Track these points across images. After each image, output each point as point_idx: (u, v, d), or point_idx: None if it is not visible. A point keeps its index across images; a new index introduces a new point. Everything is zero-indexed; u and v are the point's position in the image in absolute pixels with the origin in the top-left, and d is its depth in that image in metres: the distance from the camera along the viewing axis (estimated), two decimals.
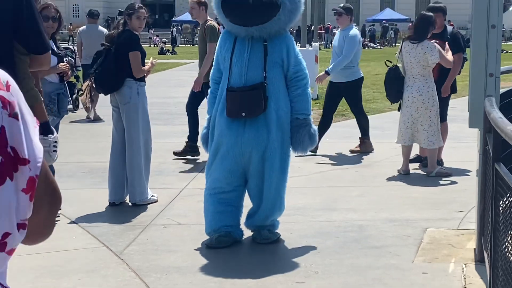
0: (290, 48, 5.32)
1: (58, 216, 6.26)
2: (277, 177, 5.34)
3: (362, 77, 9.66)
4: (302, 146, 5.37)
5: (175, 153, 9.00)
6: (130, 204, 6.63)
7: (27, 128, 1.30)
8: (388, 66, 8.23)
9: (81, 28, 13.36)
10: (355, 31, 9.39)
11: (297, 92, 5.32)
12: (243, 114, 5.24)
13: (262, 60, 5.23)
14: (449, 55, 8.04)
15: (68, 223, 6.13)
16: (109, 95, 6.74)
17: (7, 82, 1.29)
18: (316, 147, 8.04)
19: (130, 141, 6.57)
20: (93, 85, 6.73)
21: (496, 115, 3.57)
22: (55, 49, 6.36)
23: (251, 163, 5.33)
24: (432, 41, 7.92)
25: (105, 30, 12.87)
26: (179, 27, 57.81)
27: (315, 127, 5.45)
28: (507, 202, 3.45)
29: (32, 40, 4.15)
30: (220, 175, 5.44)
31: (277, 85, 5.27)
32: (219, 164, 5.42)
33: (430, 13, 8.02)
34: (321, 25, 56.85)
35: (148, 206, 6.65)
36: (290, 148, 5.43)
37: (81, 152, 9.04)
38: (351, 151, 9.44)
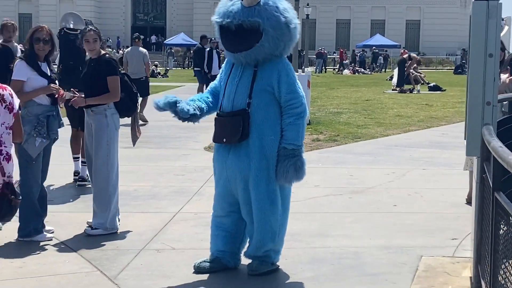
0: (282, 75, 5.16)
1: (51, 240, 6.22)
2: (266, 207, 5.19)
3: None
4: (286, 178, 5.09)
5: None
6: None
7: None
8: None
9: (126, 50, 17.40)
10: None
11: (288, 120, 5.14)
12: (224, 140, 5.21)
13: (249, 86, 5.16)
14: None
15: (61, 247, 6.07)
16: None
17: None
18: None
19: None
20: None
21: (496, 144, 3.57)
22: (48, 71, 6.33)
23: (237, 191, 5.26)
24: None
25: (145, 50, 16.15)
26: (171, 50, 57.98)
27: (304, 159, 5.19)
28: (507, 231, 3.44)
29: None
30: (215, 199, 5.49)
31: (263, 113, 5.13)
32: (215, 188, 5.47)
33: None
34: (321, 49, 56.69)
35: (142, 230, 6.61)
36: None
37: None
38: None
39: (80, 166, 8.79)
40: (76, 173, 8.87)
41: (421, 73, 31.35)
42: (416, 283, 5.20)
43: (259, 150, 5.14)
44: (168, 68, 47.80)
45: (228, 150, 5.24)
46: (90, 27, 6.69)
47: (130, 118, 6.86)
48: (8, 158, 4.38)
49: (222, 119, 5.25)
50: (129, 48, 16.95)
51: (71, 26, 9.12)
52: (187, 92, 25.78)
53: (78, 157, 8.90)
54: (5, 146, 4.37)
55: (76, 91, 6.53)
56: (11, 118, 4.41)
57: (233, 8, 5.10)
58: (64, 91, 6.43)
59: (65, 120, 7.24)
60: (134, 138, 6.85)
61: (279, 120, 5.18)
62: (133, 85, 6.77)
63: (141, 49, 16.17)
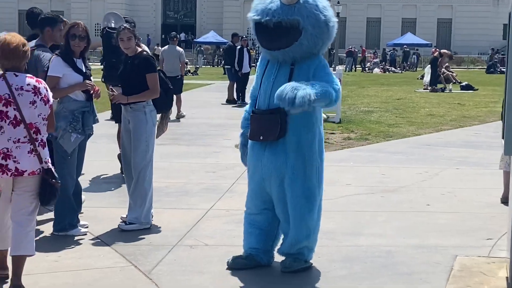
0: (318, 70, 5.14)
1: (85, 234, 6.29)
2: (302, 205, 5.19)
3: None
4: (282, 90, 4.79)
5: None
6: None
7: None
8: None
9: (163, 48, 17.95)
10: None
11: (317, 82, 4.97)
12: (261, 137, 5.20)
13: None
14: None
15: (96, 241, 6.13)
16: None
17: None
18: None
19: None
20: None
21: None
22: (83, 68, 6.38)
23: (272, 188, 5.26)
24: None
25: (181, 50, 16.61)
26: (201, 48, 58.14)
27: (308, 93, 4.77)
28: None
29: None
30: (248, 196, 5.49)
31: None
32: (248, 185, 5.47)
33: None
34: (351, 47, 56.11)
35: (175, 226, 6.65)
36: (318, 177, 5.25)
37: (110, 171, 9.06)
38: None
39: None
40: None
41: (453, 72, 31.02)
42: (451, 283, 5.15)
43: (296, 147, 5.12)
44: (198, 66, 47.96)
45: (264, 148, 5.23)
46: (125, 25, 6.73)
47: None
48: (44, 145, 4.74)
49: (259, 117, 5.24)
50: (166, 47, 17.42)
51: (112, 25, 9.38)
52: (217, 90, 25.87)
53: None
54: (41, 135, 4.71)
55: (118, 86, 6.62)
56: (47, 109, 4.74)
57: (272, 6, 5.07)
58: (109, 85, 6.57)
59: (103, 116, 7.30)
60: (160, 132, 6.94)
61: (315, 118, 5.18)
62: (168, 81, 6.83)
63: (178, 48, 16.62)
